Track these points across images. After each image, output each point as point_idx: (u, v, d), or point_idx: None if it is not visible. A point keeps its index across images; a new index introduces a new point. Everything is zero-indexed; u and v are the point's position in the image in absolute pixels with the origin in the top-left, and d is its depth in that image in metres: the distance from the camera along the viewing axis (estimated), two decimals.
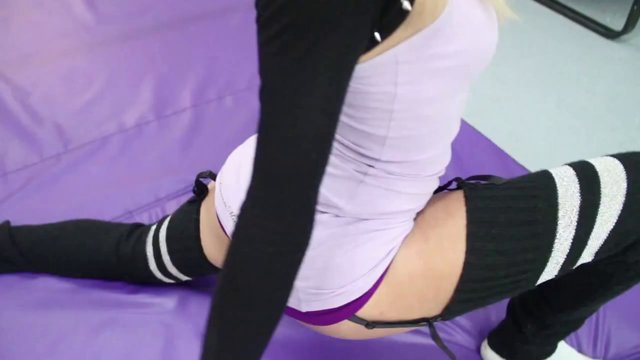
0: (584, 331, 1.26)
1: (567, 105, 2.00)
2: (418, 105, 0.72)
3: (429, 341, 1.19)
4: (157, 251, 1.13)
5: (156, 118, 1.72)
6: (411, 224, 0.86)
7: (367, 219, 0.82)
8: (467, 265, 0.81)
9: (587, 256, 0.84)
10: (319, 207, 0.81)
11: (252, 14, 2.10)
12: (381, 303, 0.84)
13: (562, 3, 2.46)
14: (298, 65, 0.57)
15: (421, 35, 0.65)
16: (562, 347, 1.17)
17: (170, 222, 1.12)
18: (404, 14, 0.62)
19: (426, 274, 0.83)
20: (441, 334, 1.22)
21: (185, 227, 1.08)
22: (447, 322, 1.24)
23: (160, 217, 1.43)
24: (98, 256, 1.18)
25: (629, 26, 2.24)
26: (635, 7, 2.16)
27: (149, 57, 1.97)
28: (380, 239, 0.82)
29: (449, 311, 0.85)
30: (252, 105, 1.80)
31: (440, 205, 0.88)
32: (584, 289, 0.93)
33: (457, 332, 1.23)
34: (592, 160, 0.85)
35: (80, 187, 1.50)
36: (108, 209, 1.43)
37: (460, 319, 1.26)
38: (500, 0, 0.73)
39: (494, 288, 0.83)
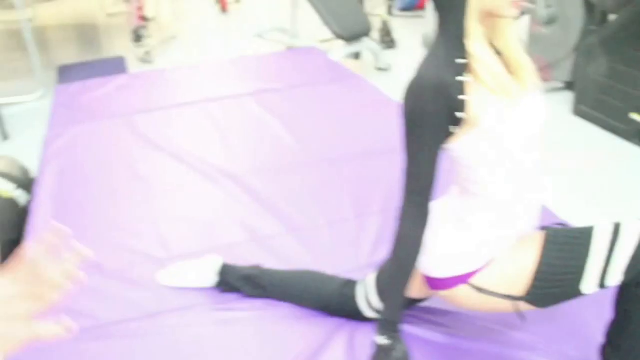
0: None
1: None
2: (487, 164, 1.36)
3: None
4: (365, 288, 1.70)
5: (355, 217, 2.31)
6: (510, 242, 1.44)
7: (478, 228, 1.44)
8: (538, 268, 1.39)
9: (617, 273, 1.34)
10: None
11: None
12: (483, 279, 1.42)
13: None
14: (409, 152, 1.31)
15: (470, 132, 1.29)
16: None
17: (378, 270, 1.69)
18: (459, 120, 1.28)
19: (511, 270, 1.42)
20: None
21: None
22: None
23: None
24: (323, 292, 1.78)
25: None
26: None
27: (344, 178, 2.58)
28: (482, 243, 1.42)
29: (529, 294, 1.40)
30: None
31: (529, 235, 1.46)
32: (623, 315, 1.42)
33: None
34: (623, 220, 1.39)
35: None
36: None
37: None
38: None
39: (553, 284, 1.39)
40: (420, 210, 1.34)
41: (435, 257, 1.44)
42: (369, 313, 1.72)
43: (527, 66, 1.37)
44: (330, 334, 1.73)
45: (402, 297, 1.39)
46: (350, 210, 2.33)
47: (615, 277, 1.34)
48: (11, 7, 7.73)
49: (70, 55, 5.76)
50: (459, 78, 1.26)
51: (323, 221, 2.27)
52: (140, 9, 4.86)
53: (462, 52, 1.27)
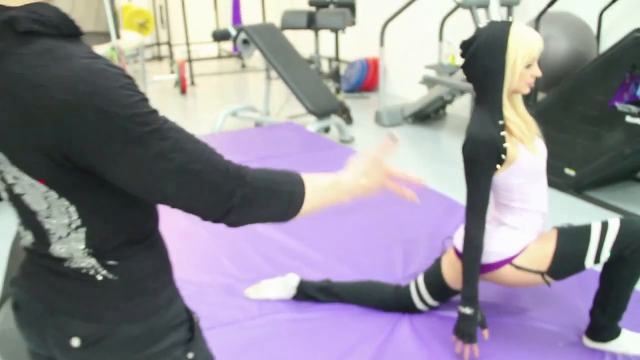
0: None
1: None
2: (519, 187, 2.01)
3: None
4: (416, 287, 2.28)
5: (384, 249, 2.91)
6: (534, 236, 2.09)
7: (516, 228, 2.08)
8: (555, 252, 2.04)
9: (606, 252, 1.97)
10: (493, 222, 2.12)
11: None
12: (520, 260, 2.07)
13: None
14: (472, 182, 1.94)
15: (509, 167, 1.95)
16: (625, 332, 2.17)
17: (425, 273, 2.28)
18: (503, 160, 1.92)
19: (538, 254, 2.05)
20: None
21: (434, 271, 2.24)
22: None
23: None
24: (383, 294, 2.36)
25: None
26: None
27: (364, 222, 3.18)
28: (518, 237, 2.08)
29: (550, 270, 2.04)
30: None
31: (546, 232, 2.11)
32: (607, 284, 2.07)
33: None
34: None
35: None
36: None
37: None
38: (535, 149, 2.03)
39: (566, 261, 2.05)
40: (482, 220, 1.98)
41: (490, 249, 2.07)
42: (420, 305, 2.32)
43: (533, 123, 2.09)
44: (395, 321, 2.32)
45: (477, 278, 2.01)
46: (377, 242, 2.95)
47: (605, 255, 2.00)
48: None
49: None
50: (502, 133, 1.96)
51: (360, 250, 2.87)
52: None
53: (500, 115, 1.98)
